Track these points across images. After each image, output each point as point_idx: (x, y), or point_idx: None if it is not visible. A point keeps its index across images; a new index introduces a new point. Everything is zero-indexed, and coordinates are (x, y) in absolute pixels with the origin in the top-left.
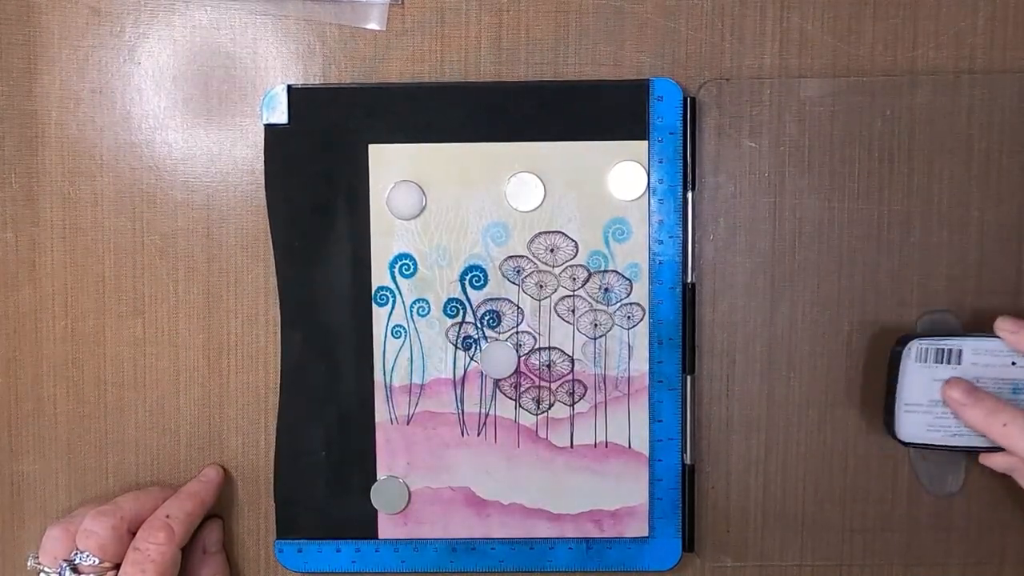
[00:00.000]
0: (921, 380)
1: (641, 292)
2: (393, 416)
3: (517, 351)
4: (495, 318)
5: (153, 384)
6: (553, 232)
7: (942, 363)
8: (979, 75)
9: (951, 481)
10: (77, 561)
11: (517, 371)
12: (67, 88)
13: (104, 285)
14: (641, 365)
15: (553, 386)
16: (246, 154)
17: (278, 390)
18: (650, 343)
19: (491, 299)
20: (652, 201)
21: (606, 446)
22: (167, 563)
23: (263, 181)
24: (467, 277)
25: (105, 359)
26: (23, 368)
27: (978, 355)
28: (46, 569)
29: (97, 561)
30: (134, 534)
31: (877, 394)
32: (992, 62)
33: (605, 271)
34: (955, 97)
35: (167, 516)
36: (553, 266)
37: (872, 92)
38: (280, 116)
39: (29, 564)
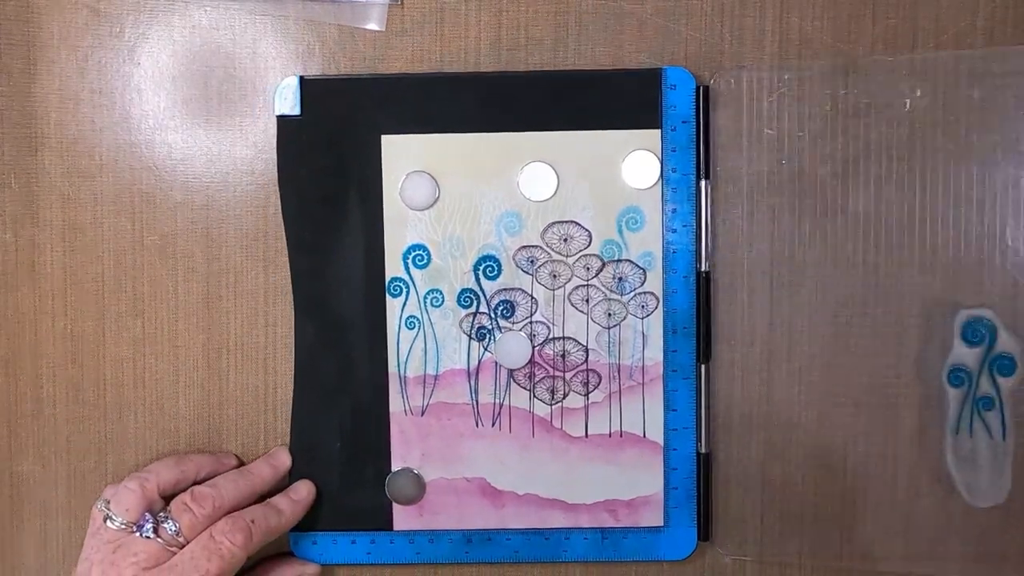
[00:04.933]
0: None
1: (655, 281)
2: (407, 407)
3: (531, 341)
4: (509, 308)
5: (153, 384)
6: (566, 222)
7: None
8: (979, 75)
9: (995, 491)
10: (164, 527)
11: (531, 361)
12: (67, 88)
13: (104, 285)
14: (655, 354)
15: (567, 376)
16: (246, 154)
17: (277, 390)
18: (664, 332)
19: (505, 289)
20: (666, 190)
21: (621, 436)
22: (233, 564)
23: (264, 180)
24: (481, 267)
25: (105, 359)
26: (23, 368)
27: None
28: (114, 516)
29: (176, 530)
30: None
31: (899, 384)
32: (992, 62)
33: (619, 260)
34: (954, 97)
35: (252, 521)
36: (567, 256)
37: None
38: (292, 107)
39: (99, 507)
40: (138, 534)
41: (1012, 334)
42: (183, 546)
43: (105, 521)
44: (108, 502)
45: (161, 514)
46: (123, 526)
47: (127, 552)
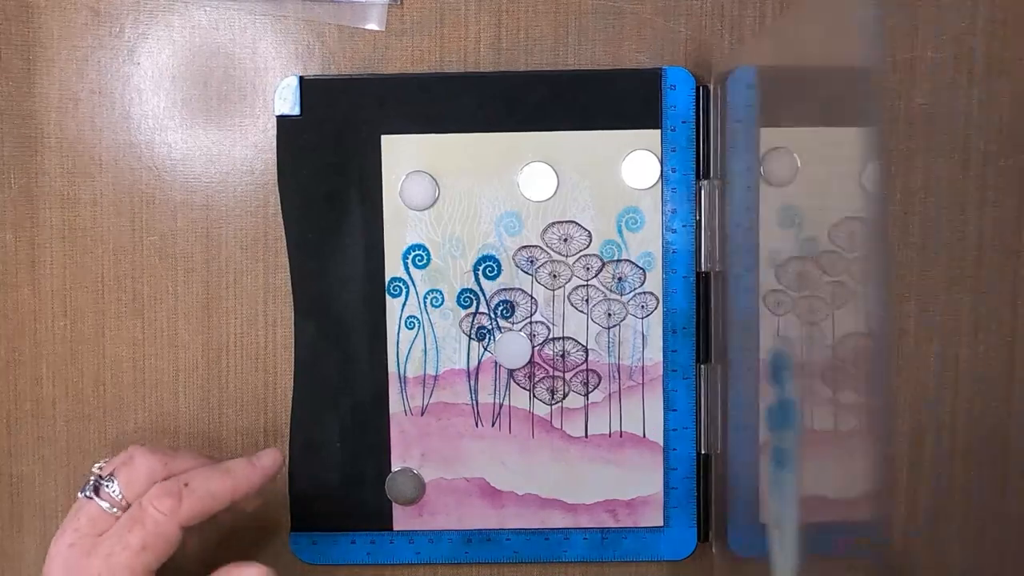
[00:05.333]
0: None
1: (655, 281)
2: (407, 407)
3: (531, 341)
4: (509, 308)
5: (153, 384)
6: (566, 222)
7: None
8: (979, 75)
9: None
10: (103, 485)
11: (531, 361)
12: (67, 88)
13: (104, 285)
14: (655, 354)
15: (567, 376)
16: (246, 154)
17: (277, 390)
18: (664, 332)
19: (505, 289)
20: (665, 190)
21: (620, 436)
22: (159, 533)
23: (263, 180)
24: (480, 267)
25: (105, 359)
26: (23, 368)
27: None
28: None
29: (120, 495)
30: None
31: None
32: (992, 62)
33: (618, 260)
34: (954, 97)
35: (186, 484)
36: (566, 256)
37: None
38: (292, 107)
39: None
40: (81, 495)
41: None
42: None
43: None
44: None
45: (109, 476)
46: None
47: (75, 516)
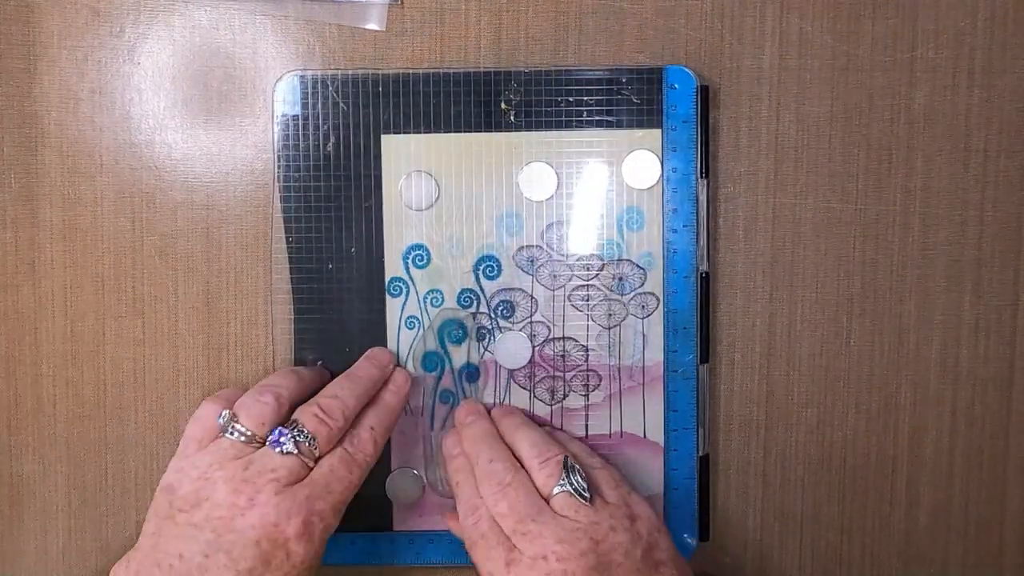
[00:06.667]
0: None
1: (655, 281)
2: (407, 407)
3: (531, 341)
4: (509, 308)
5: (153, 384)
6: (567, 221)
7: None
8: (979, 75)
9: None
10: (298, 438)
11: (531, 361)
12: (67, 88)
13: (104, 285)
14: (656, 354)
15: (567, 376)
16: (246, 154)
17: None
18: (664, 332)
19: (505, 289)
20: (666, 190)
21: (621, 436)
22: (368, 469)
23: (264, 180)
24: (481, 267)
25: (105, 359)
26: (23, 368)
27: None
28: (244, 430)
29: (314, 444)
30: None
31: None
32: (992, 62)
33: (619, 260)
34: (954, 97)
35: (372, 428)
36: (567, 255)
37: (871, 92)
38: (292, 107)
39: (220, 420)
40: (277, 450)
41: None
42: (316, 459)
43: (227, 434)
44: (235, 415)
45: (295, 429)
46: (248, 440)
47: (263, 468)
